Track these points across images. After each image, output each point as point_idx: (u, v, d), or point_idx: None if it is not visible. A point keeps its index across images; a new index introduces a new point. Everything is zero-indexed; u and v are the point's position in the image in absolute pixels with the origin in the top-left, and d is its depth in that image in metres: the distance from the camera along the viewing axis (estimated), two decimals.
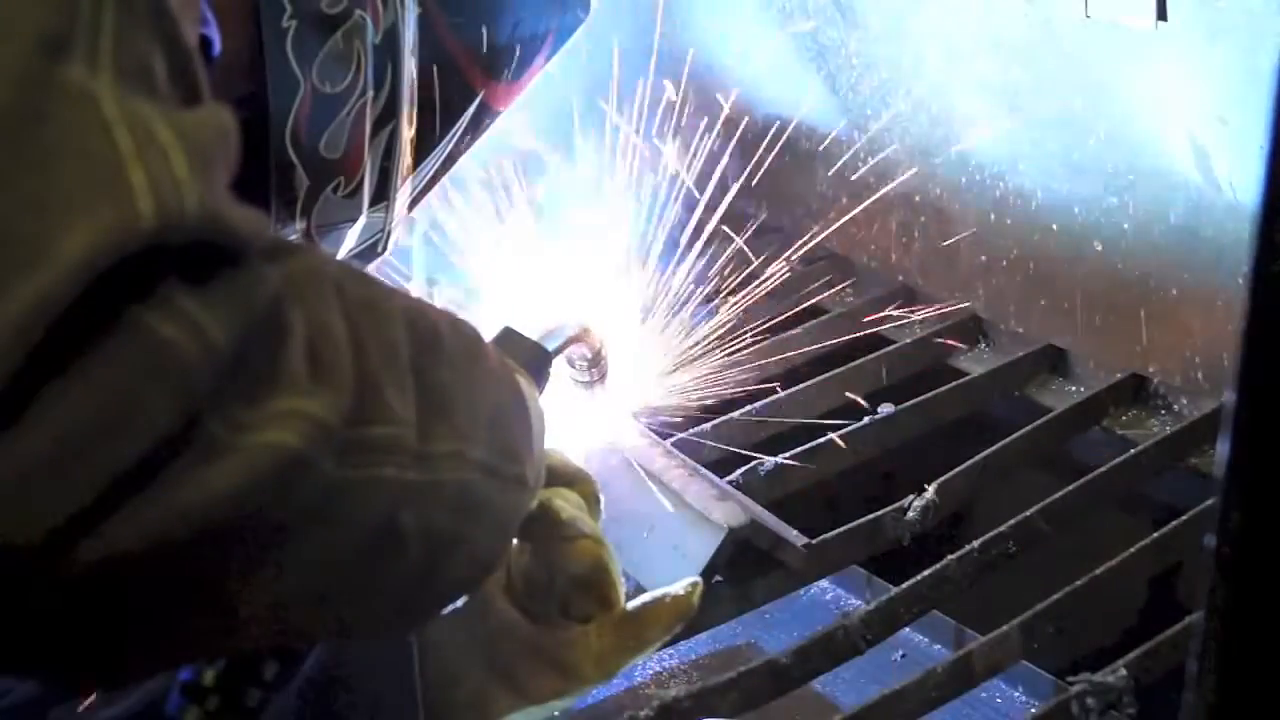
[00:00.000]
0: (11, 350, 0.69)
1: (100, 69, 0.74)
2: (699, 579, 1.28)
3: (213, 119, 0.79)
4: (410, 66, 1.27)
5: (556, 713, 1.26)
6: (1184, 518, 1.97)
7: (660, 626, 1.26)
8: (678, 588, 1.27)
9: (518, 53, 1.38)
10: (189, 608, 0.81)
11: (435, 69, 1.31)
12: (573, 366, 1.69)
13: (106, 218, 0.71)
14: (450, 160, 1.41)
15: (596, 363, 1.69)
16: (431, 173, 1.39)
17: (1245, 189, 2.02)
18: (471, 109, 1.37)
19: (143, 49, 0.77)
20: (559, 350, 1.34)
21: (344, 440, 0.82)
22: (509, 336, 1.26)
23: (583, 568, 1.22)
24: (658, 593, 1.27)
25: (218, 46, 1.07)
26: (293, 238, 1.22)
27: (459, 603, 1.15)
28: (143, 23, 0.78)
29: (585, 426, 1.81)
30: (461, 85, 1.35)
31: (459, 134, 1.38)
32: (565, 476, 1.24)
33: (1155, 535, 1.95)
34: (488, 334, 1.10)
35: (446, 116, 1.36)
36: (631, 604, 1.26)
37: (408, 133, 1.29)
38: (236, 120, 0.80)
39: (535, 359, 1.24)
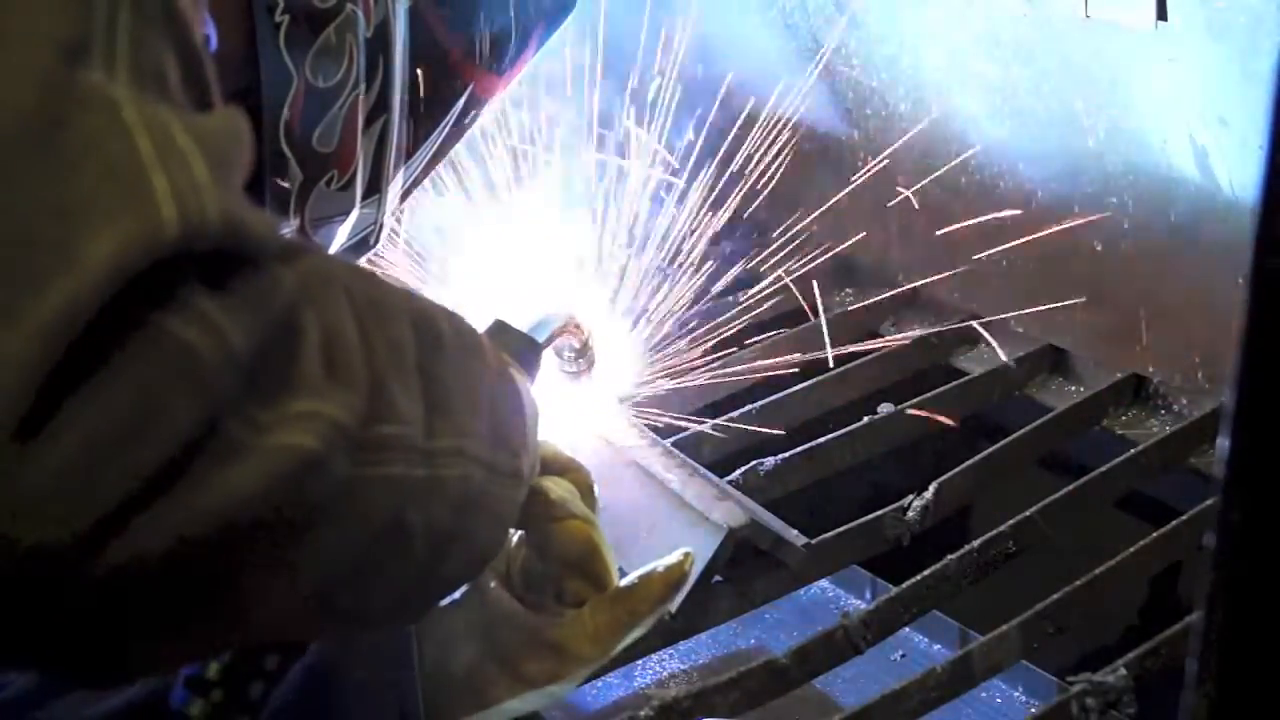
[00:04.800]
0: (41, 356, 0.70)
1: (118, 73, 0.75)
2: (690, 550, 1.28)
3: (228, 123, 0.80)
4: (402, 60, 1.27)
5: (554, 697, 1.27)
6: (1184, 518, 1.97)
7: (653, 598, 1.26)
8: (670, 558, 1.27)
9: (507, 44, 1.39)
10: (204, 605, 0.82)
11: (426, 61, 1.31)
12: (560, 357, 1.69)
13: (131, 224, 0.71)
14: (441, 152, 1.41)
15: (584, 353, 1.70)
16: (422, 165, 1.39)
17: (1245, 189, 2.02)
18: (462, 101, 1.38)
19: (157, 53, 0.78)
20: (549, 342, 1.35)
21: (356, 440, 0.83)
22: (500, 329, 1.27)
23: (574, 548, 1.22)
24: (650, 566, 1.27)
25: (214, 43, 1.08)
26: (286, 232, 1.22)
27: (458, 593, 1.16)
28: (156, 26, 0.78)
29: (574, 417, 1.81)
30: (452, 77, 1.36)
31: (450, 126, 1.39)
32: (559, 466, 1.25)
33: (1155, 535, 1.95)
34: (478, 326, 1.10)
35: (437, 108, 1.37)
36: (625, 580, 1.26)
37: (399, 125, 1.30)
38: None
39: (526, 351, 1.25)
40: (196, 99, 0.81)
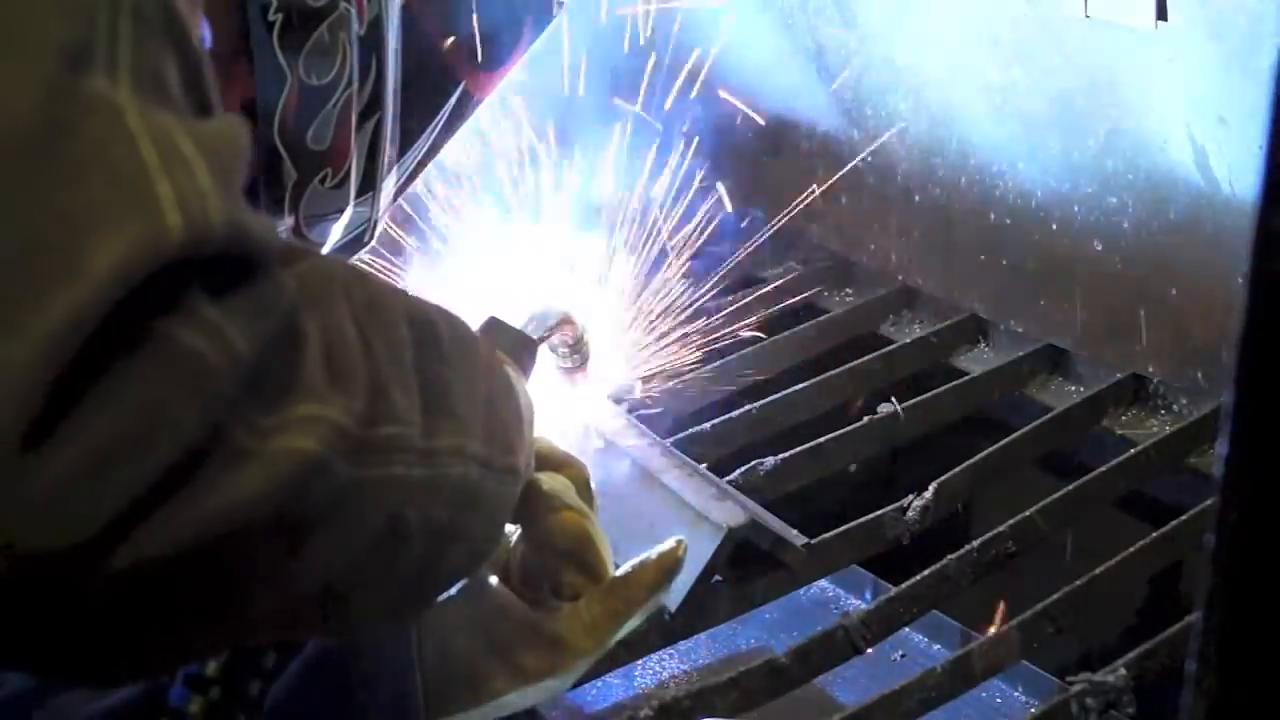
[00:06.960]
0: (46, 363, 0.70)
1: (120, 80, 0.75)
2: (683, 537, 1.28)
3: (229, 128, 0.80)
4: (394, 57, 1.28)
5: (552, 692, 1.26)
6: (1184, 518, 1.98)
7: (648, 586, 1.26)
8: (663, 546, 1.27)
9: (500, 41, 1.39)
10: (207, 607, 0.82)
11: (419, 59, 1.32)
12: (555, 353, 1.69)
13: (136, 231, 0.71)
14: (434, 149, 1.42)
15: (579, 350, 1.70)
16: (416, 162, 1.40)
17: (1245, 188, 2.02)
18: (455, 98, 1.38)
19: (157, 58, 0.78)
20: (543, 338, 1.36)
21: (357, 442, 0.83)
22: (495, 326, 1.27)
23: (569, 539, 1.22)
24: (644, 555, 1.27)
25: (208, 42, 1.08)
26: (281, 230, 1.23)
27: (455, 588, 1.16)
28: (156, 31, 0.78)
29: (571, 414, 1.81)
30: (445, 74, 1.36)
31: (443, 123, 1.39)
32: (554, 462, 1.25)
33: (1155, 535, 1.96)
34: (473, 322, 1.10)
35: (430, 106, 1.37)
36: (619, 571, 1.26)
37: (393, 123, 1.30)
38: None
39: (521, 348, 1.25)
40: (197, 103, 0.81)
